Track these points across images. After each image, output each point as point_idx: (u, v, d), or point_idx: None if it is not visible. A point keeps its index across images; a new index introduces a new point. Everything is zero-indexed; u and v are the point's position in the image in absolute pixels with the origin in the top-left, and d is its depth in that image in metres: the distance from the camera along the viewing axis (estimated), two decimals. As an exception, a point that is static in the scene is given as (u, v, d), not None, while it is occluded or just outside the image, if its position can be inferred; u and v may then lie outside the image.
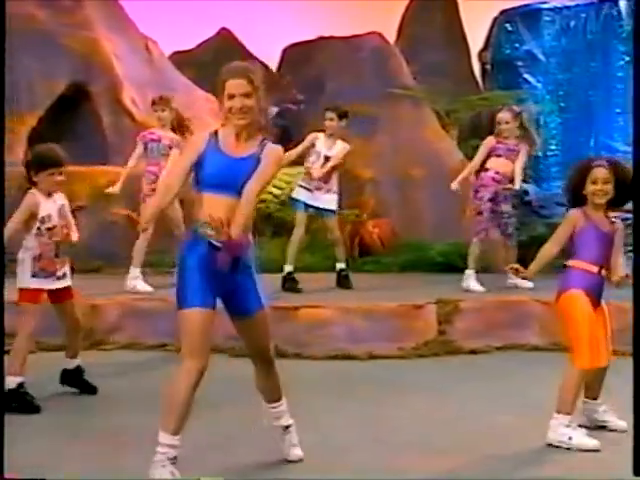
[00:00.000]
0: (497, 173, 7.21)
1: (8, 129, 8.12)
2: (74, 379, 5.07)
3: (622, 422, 4.29)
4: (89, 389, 5.06)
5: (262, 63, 10.97)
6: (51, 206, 4.76)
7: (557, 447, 4.06)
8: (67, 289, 4.89)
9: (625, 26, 9.26)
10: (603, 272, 4.21)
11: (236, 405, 4.70)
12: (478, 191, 7.27)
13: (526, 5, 9.72)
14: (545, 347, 6.29)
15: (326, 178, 7.10)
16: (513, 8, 9.79)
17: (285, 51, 10.51)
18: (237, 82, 3.48)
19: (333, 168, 7.12)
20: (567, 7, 9.50)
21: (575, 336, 4.13)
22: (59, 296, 4.86)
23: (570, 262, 4.26)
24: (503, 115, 7.21)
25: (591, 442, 4.06)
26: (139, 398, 4.99)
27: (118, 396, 5.05)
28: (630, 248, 6.55)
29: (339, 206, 7.36)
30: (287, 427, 3.88)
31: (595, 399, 4.36)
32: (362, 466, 3.82)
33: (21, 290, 4.71)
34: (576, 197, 4.24)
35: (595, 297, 4.18)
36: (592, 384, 4.30)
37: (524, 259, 7.53)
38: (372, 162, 8.98)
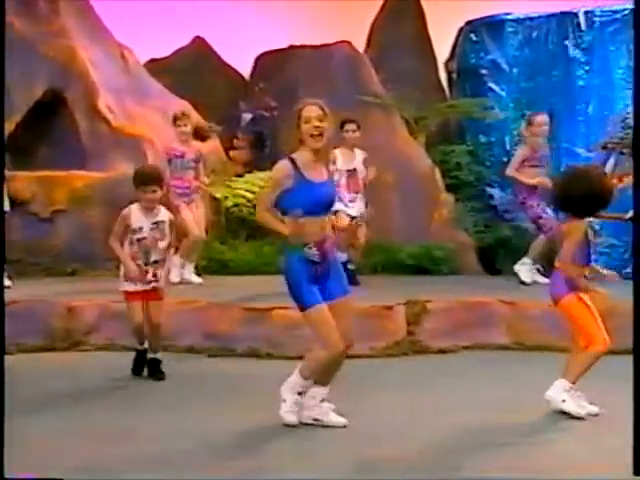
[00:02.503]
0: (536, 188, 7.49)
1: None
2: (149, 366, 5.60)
3: (594, 407, 4.56)
4: (154, 375, 5.56)
5: (236, 71, 11.14)
6: (145, 220, 5.29)
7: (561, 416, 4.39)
8: (154, 290, 5.41)
9: (584, 37, 9.51)
10: (587, 271, 4.60)
11: (219, 404, 4.81)
12: (524, 203, 7.59)
13: (490, 16, 9.85)
14: (510, 346, 6.44)
15: (357, 189, 7.48)
16: (478, 19, 9.94)
17: (258, 59, 10.61)
18: (312, 108, 4.12)
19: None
20: (530, 18, 9.66)
21: (588, 330, 4.50)
22: (146, 296, 5.42)
23: (568, 267, 4.54)
24: (544, 117, 7.63)
25: (579, 411, 4.42)
26: (117, 398, 5.11)
27: (97, 396, 5.13)
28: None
29: None
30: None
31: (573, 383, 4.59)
32: (332, 459, 3.91)
33: (122, 291, 5.49)
34: (593, 206, 4.47)
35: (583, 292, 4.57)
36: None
37: (491, 259, 7.84)
38: (343, 167, 9.14)
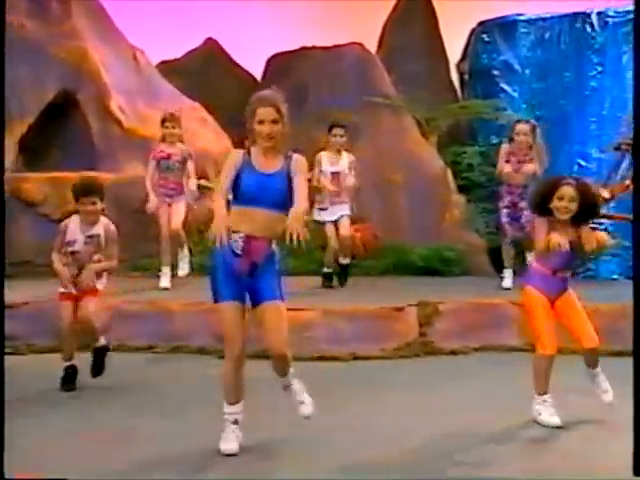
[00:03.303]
0: (509, 185, 7.53)
1: (-2, 137, 8.29)
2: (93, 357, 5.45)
3: (608, 397, 4.58)
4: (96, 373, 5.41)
5: (247, 72, 11.16)
6: (79, 233, 5.22)
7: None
8: (86, 292, 5.28)
9: (597, 38, 9.49)
10: (560, 274, 4.55)
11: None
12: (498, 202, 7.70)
13: (503, 17, 9.87)
14: (521, 348, 6.38)
15: (339, 191, 7.47)
16: (490, 20, 9.96)
17: (269, 61, 10.64)
18: (267, 110, 3.95)
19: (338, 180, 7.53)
20: (542, 19, 9.67)
21: (533, 327, 4.57)
22: (78, 297, 5.31)
23: (532, 263, 4.69)
24: (523, 126, 7.42)
25: (554, 420, 4.41)
26: (121, 398, 5.10)
27: (101, 397, 5.14)
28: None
29: None
30: (286, 387, 4.30)
31: (594, 368, 4.64)
32: (339, 459, 3.92)
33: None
34: (542, 209, 4.53)
35: (551, 294, 4.54)
36: (587, 360, 4.62)
37: (503, 261, 7.81)
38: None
